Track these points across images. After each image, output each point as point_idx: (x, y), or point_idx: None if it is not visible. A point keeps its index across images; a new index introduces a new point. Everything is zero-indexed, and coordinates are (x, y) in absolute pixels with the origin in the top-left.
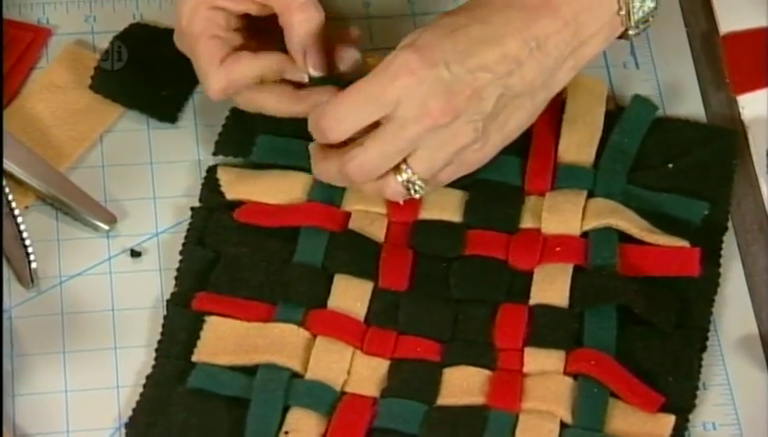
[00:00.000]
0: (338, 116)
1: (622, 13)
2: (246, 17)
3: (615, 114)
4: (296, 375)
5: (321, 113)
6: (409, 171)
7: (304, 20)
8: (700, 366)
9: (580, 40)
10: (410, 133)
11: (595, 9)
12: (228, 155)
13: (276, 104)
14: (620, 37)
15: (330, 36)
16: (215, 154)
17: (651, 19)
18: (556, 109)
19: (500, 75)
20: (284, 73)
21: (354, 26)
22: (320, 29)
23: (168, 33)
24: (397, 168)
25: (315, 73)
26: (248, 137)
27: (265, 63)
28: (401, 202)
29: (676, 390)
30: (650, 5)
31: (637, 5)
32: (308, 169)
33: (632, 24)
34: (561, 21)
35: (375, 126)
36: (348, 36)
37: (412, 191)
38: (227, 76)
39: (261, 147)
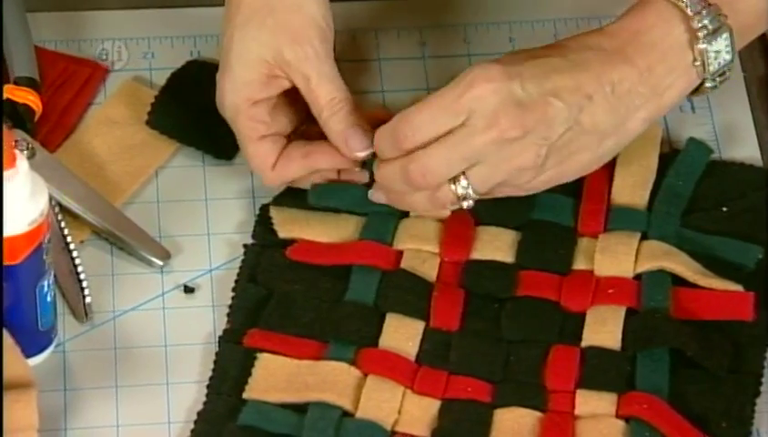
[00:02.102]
0: (414, 124)
1: (698, 64)
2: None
3: (670, 156)
4: (346, 414)
5: (399, 119)
6: (464, 181)
7: (332, 115)
8: (753, 411)
9: (654, 91)
10: (477, 142)
11: (669, 60)
12: (284, 206)
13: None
14: (696, 91)
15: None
16: (273, 204)
17: (728, 72)
18: None
19: (572, 106)
20: (336, 166)
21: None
22: (352, 110)
23: None
24: (453, 178)
25: (362, 154)
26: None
27: (315, 163)
28: (448, 212)
29: (728, 435)
30: (725, 57)
31: (712, 56)
32: (361, 213)
33: (708, 75)
34: (636, 70)
35: None
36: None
37: (464, 203)
38: (280, 178)
39: (316, 192)
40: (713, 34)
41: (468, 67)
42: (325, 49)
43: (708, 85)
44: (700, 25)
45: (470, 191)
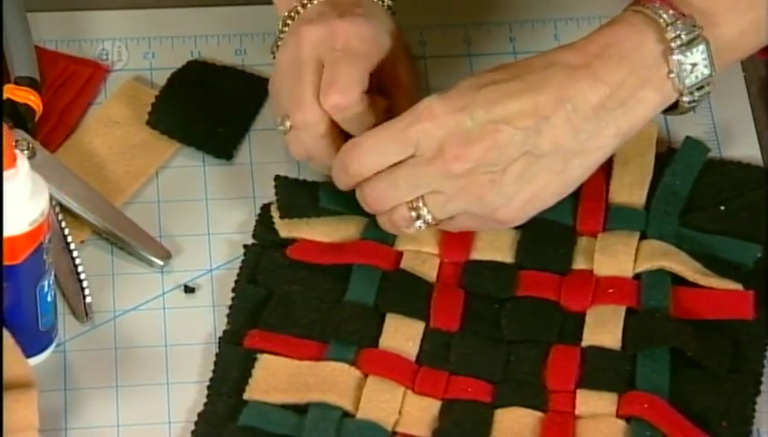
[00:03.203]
0: (360, 151)
1: (673, 76)
2: None
3: (667, 155)
4: (347, 414)
5: (346, 147)
6: (420, 203)
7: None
8: (753, 410)
9: (624, 105)
10: (424, 172)
11: (641, 72)
12: (295, 217)
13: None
14: (674, 108)
15: None
16: (281, 218)
17: (706, 87)
18: None
19: (525, 130)
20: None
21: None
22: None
23: (225, 70)
24: (412, 203)
25: None
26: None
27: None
28: (405, 232)
29: (729, 434)
30: (703, 70)
31: (688, 68)
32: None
33: (685, 89)
34: (603, 85)
35: None
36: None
37: (417, 224)
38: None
39: (326, 195)
40: (688, 45)
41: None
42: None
43: (685, 99)
44: (674, 35)
45: (426, 212)
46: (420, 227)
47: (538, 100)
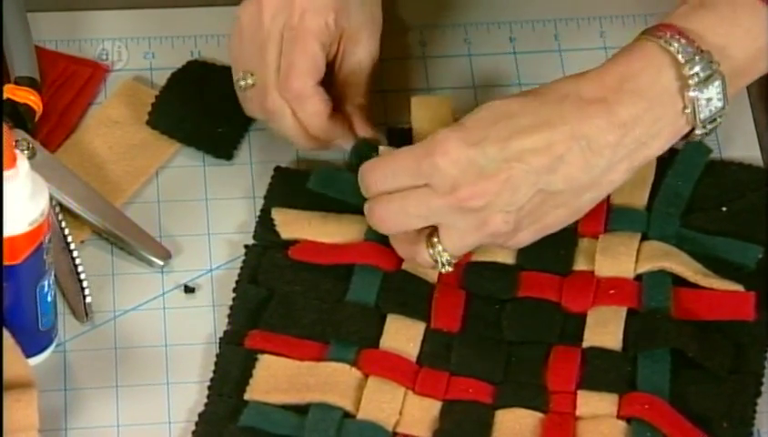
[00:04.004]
0: (378, 173)
1: (688, 111)
2: None
3: (668, 157)
4: (347, 415)
5: (368, 168)
6: (439, 246)
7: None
8: (754, 412)
9: (638, 142)
10: (435, 204)
11: (657, 109)
12: (284, 203)
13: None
14: (686, 137)
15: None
16: (267, 204)
17: (719, 119)
18: None
19: (538, 168)
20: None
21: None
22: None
23: (225, 70)
24: (429, 241)
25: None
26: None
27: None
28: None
29: (730, 435)
30: (717, 104)
31: (703, 103)
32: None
33: (699, 123)
34: (617, 122)
35: None
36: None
37: (440, 265)
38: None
39: (318, 178)
40: (705, 81)
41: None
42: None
43: (698, 131)
44: (691, 72)
45: (444, 254)
46: (445, 267)
47: (552, 138)
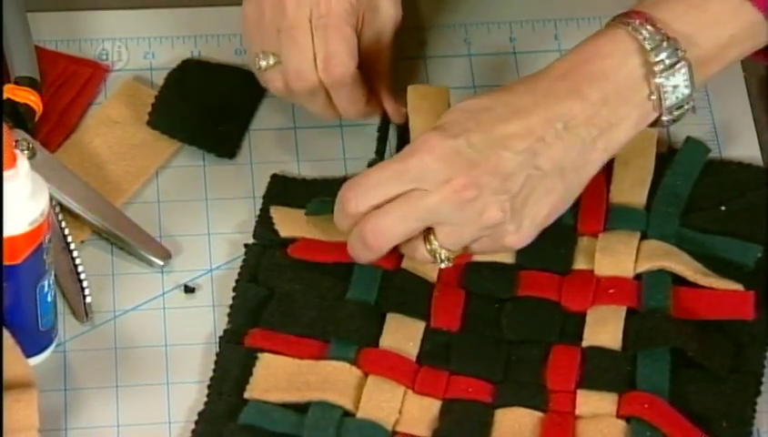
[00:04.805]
0: (361, 187)
1: (653, 97)
2: None
3: (668, 156)
4: (347, 413)
5: (349, 186)
6: (435, 243)
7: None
8: (754, 411)
9: (609, 122)
10: (431, 202)
11: (623, 92)
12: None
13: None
14: (654, 124)
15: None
16: (266, 203)
17: (686, 106)
18: None
19: (524, 152)
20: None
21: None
22: None
23: (222, 68)
24: (427, 238)
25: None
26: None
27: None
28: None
29: (729, 435)
30: (684, 91)
31: (669, 90)
32: None
33: (665, 110)
34: (587, 102)
35: None
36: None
37: (438, 260)
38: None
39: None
40: (671, 68)
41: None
42: None
43: (665, 118)
44: (657, 59)
45: (441, 250)
46: (444, 263)
47: (529, 122)
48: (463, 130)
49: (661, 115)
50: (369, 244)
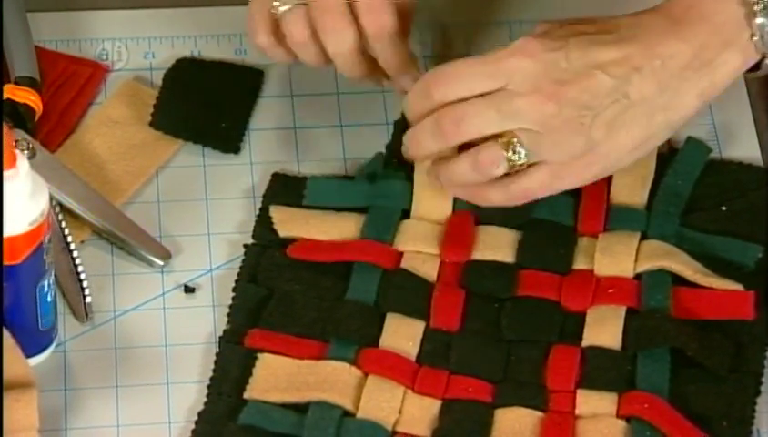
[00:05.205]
0: (450, 76)
1: (756, 39)
2: None
3: (668, 156)
4: (347, 413)
5: (434, 74)
6: (515, 140)
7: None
8: (754, 411)
9: (707, 67)
10: (516, 105)
11: (724, 34)
12: (280, 204)
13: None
14: (756, 69)
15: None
16: (265, 203)
17: None
18: None
19: (616, 77)
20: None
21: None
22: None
23: (216, 65)
24: (506, 143)
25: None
26: (296, 187)
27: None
28: (490, 175)
29: (729, 435)
30: None
31: None
32: (360, 209)
33: None
34: (688, 45)
35: None
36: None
37: (511, 154)
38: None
39: (312, 191)
40: None
41: None
42: None
43: None
44: None
45: (522, 152)
46: (512, 166)
47: (629, 52)
48: (563, 45)
49: (764, 57)
50: (445, 132)
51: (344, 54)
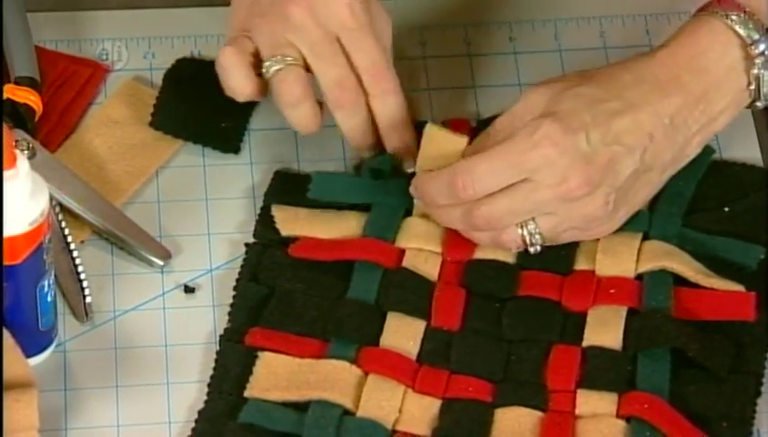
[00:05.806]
0: (475, 174)
1: (752, 87)
2: None
3: None
4: (347, 412)
5: (457, 169)
6: (532, 225)
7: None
8: (754, 412)
9: (709, 117)
10: (543, 197)
11: (723, 85)
12: (283, 203)
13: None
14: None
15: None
16: (266, 202)
17: None
18: None
19: (635, 148)
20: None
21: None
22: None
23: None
24: (524, 224)
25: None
26: (298, 183)
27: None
28: (513, 250)
29: (729, 435)
30: None
31: (767, 78)
32: (362, 206)
33: (762, 97)
34: (691, 97)
35: None
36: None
37: (529, 244)
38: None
39: (317, 184)
40: None
41: (521, 97)
42: None
43: (759, 104)
44: (757, 51)
45: (538, 237)
46: (534, 247)
47: (640, 118)
48: (582, 124)
49: (754, 101)
50: (478, 225)
51: (355, 128)
